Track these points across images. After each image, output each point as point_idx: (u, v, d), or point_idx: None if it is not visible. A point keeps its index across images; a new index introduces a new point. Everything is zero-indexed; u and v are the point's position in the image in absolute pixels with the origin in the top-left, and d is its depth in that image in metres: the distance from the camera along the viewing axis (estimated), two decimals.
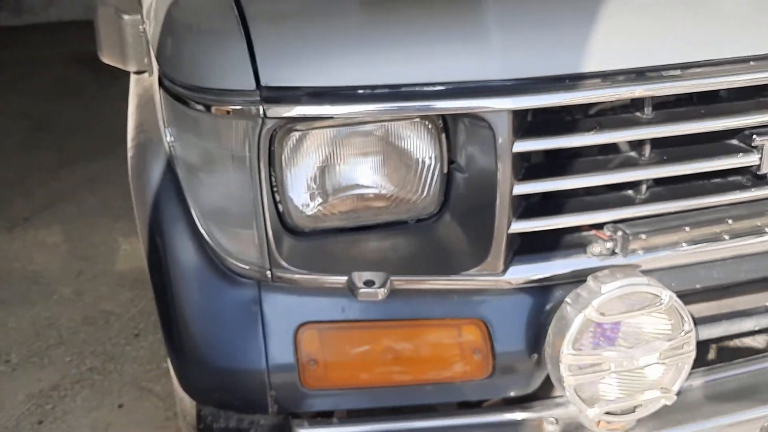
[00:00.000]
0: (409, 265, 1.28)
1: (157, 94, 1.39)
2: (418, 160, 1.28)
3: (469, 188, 1.27)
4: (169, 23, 1.27)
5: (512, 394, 1.35)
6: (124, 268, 3.36)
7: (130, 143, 1.49)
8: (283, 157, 1.22)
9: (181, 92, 1.22)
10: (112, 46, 1.61)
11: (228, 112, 1.17)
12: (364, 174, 1.29)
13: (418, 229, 1.33)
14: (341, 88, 1.16)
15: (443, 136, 1.26)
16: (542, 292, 1.31)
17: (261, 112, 1.15)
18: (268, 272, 1.26)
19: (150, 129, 1.43)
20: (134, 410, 2.57)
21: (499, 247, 1.24)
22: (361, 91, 1.16)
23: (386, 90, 1.17)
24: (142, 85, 1.58)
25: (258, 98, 1.16)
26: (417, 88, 1.17)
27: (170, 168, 1.35)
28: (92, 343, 2.87)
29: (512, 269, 1.27)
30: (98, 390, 2.65)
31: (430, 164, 1.28)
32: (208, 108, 1.19)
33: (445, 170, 1.29)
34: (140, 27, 1.56)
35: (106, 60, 1.66)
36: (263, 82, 1.15)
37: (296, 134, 1.21)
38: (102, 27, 1.61)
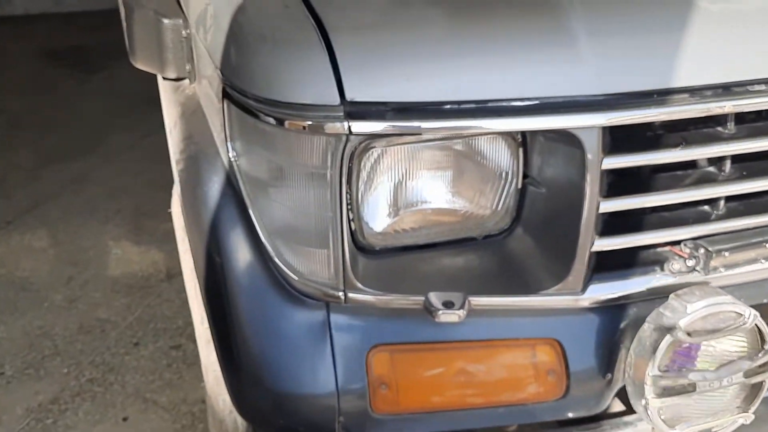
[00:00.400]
0: (484, 284, 1.24)
1: (213, 104, 1.32)
2: (494, 174, 1.24)
3: (547, 204, 1.23)
4: (236, 31, 1.20)
5: (582, 414, 1.32)
6: (117, 273, 3.25)
7: (178, 156, 1.41)
8: (359, 173, 1.16)
9: (252, 105, 1.15)
10: (148, 50, 1.53)
11: (308, 128, 1.11)
12: (438, 189, 1.25)
13: (489, 245, 1.29)
14: (428, 103, 1.11)
15: (520, 150, 1.23)
16: (616, 310, 1.28)
17: (346, 128, 1.10)
18: (341, 293, 1.21)
19: (202, 141, 1.36)
20: (140, 423, 2.48)
21: (581, 265, 1.21)
22: (448, 107, 1.12)
23: (474, 105, 1.12)
24: (184, 93, 1.50)
25: (342, 113, 1.10)
26: (505, 104, 1.13)
27: (230, 183, 1.29)
28: (90, 353, 2.77)
29: (591, 288, 1.23)
30: (100, 403, 2.55)
31: (507, 179, 1.24)
32: (284, 123, 1.13)
33: (520, 185, 1.25)
34: (182, 32, 1.48)
35: (140, 65, 1.58)
36: (348, 96, 1.10)
37: (375, 150, 1.16)
38: (137, 30, 1.53)
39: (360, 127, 1.10)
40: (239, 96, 1.17)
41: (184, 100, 1.48)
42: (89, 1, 5.80)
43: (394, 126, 1.10)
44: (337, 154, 1.12)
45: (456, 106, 1.11)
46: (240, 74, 1.17)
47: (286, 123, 1.12)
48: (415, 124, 1.11)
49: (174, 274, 3.24)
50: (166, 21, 1.47)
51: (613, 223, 1.24)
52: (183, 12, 1.50)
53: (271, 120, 1.14)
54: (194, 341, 2.94)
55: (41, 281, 3.20)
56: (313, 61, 1.11)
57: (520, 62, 1.13)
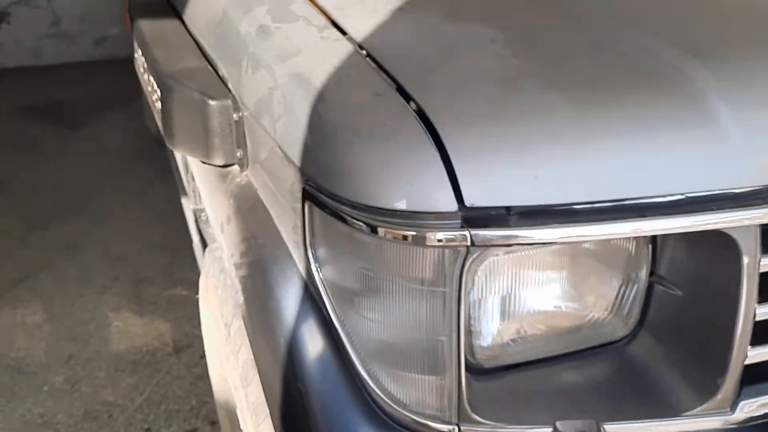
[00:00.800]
0: (614, 404, 1.07)
1: (281, 200, 1.14)
2: (620, 275, 1.07)
3: (683, 309, 1.07)
4: (319, 124, 1.02)
5: None
6: (120, 349, 3.02)
7: (238, 259, 1.22)
8: (474, 285, 0.99)
9: (345, 211, 0.98)
10: (189, 134, 1.35)
11: (419, 239, 0.93)
12: (556, 294, 1.08)
13: (610, 354, 1.12)
14: (559, 205, 0.94)
15: (649, 247, 1.06)
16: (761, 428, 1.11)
17: (468, 239, 0.92)
18: (453, 427, 1.02)
19: (269, 244, 1.17)
20: None
21: (733, 379, 1.04)
22: (582, 208, 0.95)
23: (610, 205, 0.95)
24: (236, 183, 1.32)
25: (461, 222, 0.93)
26: (647, 201, 0.96)
27: (309, 296, 1.10)
28: None
29: (741, 404, 1.06)
30: None
31: (633, 279, 1.07)
32: (385, 232, 0.95)
33: (646, 285, 1.09)
34: (232, 115, 1.31)
35: (179, 150, 1.40)
36: (468, 201, 0.92)
37: (492, 259, 0.99)
38: (176, 112, 1.35)
39: (483, 237, 0.92)
40: (327, 199, 1.00)
41: (238, 191, 1.30)
42: (68, 53, 5.59)
43: (522, 235, 0.93)
44: (453, 267, 0.94)
45: (590, 206, 0.95)
46: (329, 175, 1.00)
47: (389, 233, 0.95)
48: (546, 231, 0.93)
49: (182, 347, 3.03)
50: (212, 103, 1.30)
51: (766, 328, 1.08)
52: (231, 92, 1.32)
53: (370, 228, 0.96)
54: (211, 424, 2.73)
55: (38, 362, 2.96)
56: (422, 160, 0.93)
57: (661, 153, 0.97)
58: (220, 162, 1.34)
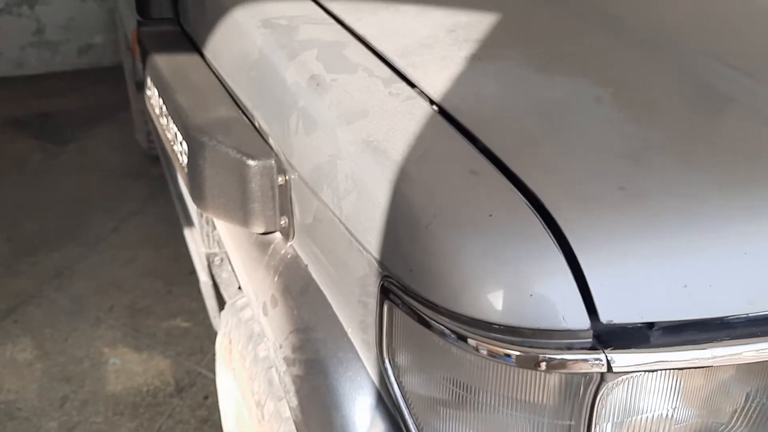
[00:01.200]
0: None
1: (345, 290, 0.96)
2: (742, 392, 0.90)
3: None
4: (404, 209, 0.84)
5: None
6: (118, 389, 2.82)
7: (288, 352, 1.03)
8: (607, 415, 0.81)
9: (443, 323, 0.79)
10: (224, 197, 1.16)
11: (541, 362, 0.75)
12: (674, 416, 0.90)
13: None
14: (712, 320, 0.77)
15: None
16: None
17: (603, 363, 0.74)
18: None
19: (330, 341, 0.98)
20: None
21: None
22: (739, 320, 0.77)
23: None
24: (281, 257, 1.13)
25: (593, 341, 0.75)
26: None
27: (383, 407, 0.92)
28: None
29: None
30: None
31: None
32: (493, 352, 0.77)
33: None
34: (276, 178, 1.12)
35: (212, 214, 1.21)
36: (604, 317, 0.74)
37: (629, 383, 0.81)
38: (208, 171, 1.16)
39: (623, 361, 0.74)
40: (416, 303, 0.81)
41: (284, 268, 1.11)
42: (52, 62, 5.35)
43: (673, 358, 0.75)
44: (583, 395, 0.77)
45: (751, 318, 0.77)
46: (419, 275, 0.81)
47: (504, 353, 0.76)
48: (703, 352, 0.76)
49: (184, 386, 2.83)
50: (252, 163, 1.11)
51: None
52: (274, 151, 1.13)
53: (475, 347, 0.78)
54: None
55: (31, 405, 2.75)
56: (543, 264, 0.75)
57: None
58: (260, 230, 1.16)
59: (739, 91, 1.00)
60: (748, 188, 0.82)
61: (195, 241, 2.10)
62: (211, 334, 2.78)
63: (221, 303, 2.10)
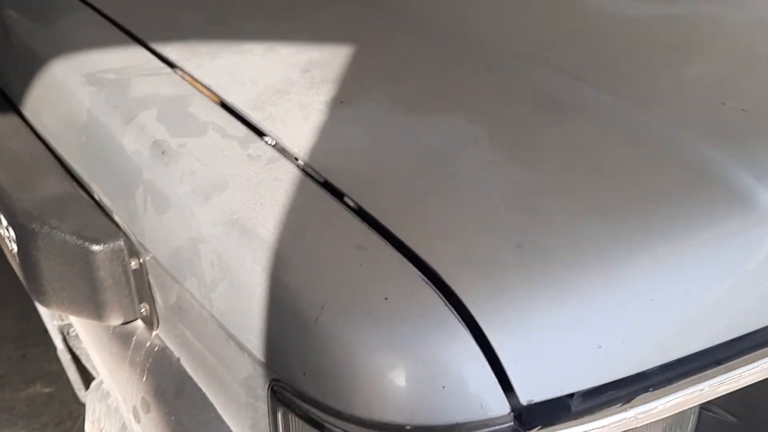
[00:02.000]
0: None
1: (224, 387, 0.84)
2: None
3: None
4: (286, 302, 0.73)
5: None
6: None
7: None
8: None
9: (345, 428, 0.70)
10: (68, 289, 1.00)
11: None
12: None
13: None
14: (630, 377, 0.71)
15: None
16: None
17: None
18: None
19: None
20: None
21: None
22: (654, 372, 0.73)
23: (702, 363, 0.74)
24: (146, 351, 0.98)
25: (514, 424, 0.67)
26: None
27: None
28: None
29: None
30: None
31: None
32: None
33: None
34: (129, 262, 0.97)
35: (55, 309, 1.05)
36: (523, 398, 0.67)
37: None
38: (44, 262, 1.00)
39: None
40: (317, 411, 0.71)
41: (152, 364, 0.96)
42: None
43: (597, 426, 0.69)
44: None
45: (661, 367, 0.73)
46: (313, 377, 0.71)
47: None
48: (627, 414, 0.70)
49: None
50: (97, 248, 0.96)
51: None
52: (121, 230, 0.98)
53: None
54: None
55: None
56: (453, 351, 0.67)
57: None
58: (118, 321, 1.01)
59: (596, 109, 0.97)
60: (644, 227, 0.78)
61: (45, 311, 1.88)
62: (78, 397, 2.55)
63: (84, 373, 1.89)
